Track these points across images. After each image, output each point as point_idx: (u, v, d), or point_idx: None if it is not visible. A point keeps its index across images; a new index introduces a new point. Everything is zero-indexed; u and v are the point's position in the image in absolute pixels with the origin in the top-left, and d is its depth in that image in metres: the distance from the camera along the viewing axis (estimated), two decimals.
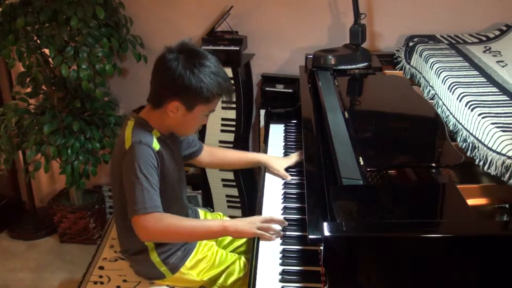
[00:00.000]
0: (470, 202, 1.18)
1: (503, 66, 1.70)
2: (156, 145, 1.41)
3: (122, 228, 1.55)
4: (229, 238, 1.74)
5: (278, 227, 1.41)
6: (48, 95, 2.46)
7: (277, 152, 1.90)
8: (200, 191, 2.70)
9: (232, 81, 2.39)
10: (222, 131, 2.49)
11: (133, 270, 1.59)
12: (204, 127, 2.50)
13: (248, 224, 1.40)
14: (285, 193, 1.61)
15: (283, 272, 1.26)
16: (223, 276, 1.58)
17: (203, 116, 1.45)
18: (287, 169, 1.72)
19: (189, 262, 1.56)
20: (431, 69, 1.76)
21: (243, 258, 1.63)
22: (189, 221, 1.48)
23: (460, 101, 1.45)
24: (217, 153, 1.81)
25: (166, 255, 1.53)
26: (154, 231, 1.35)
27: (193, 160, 1.76)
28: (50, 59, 2.28)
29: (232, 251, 1.72)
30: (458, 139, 1.43)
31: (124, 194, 1.40)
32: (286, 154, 1.87)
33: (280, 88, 2.43)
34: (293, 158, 1.78)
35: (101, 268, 1.63)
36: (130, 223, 1.38)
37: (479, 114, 1.33)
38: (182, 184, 1.61)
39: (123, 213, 1.45)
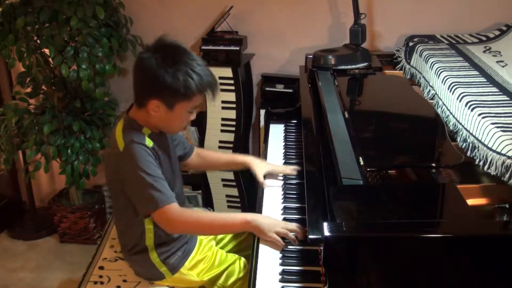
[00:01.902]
0: (470, 202, 1.18)
1: (503, 66, 1.70)
2: (149, 142, 1.41)
3: (122, 228, 1.56)
4: (227, 238, 1.74)
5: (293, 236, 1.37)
6: (48, 95, 2.46)
7: (277, 152, 1.90)
8: (200, 191, 2.70)
9: (232, 81, 2.40)
10: (222, 131, 2.49)
11: (133, 271, 1.60)
12: (204, 127, 2.51)
13: (269, 225, 1.36)
14: (285, 193, 1.61)
15: (283, 272, 1.26)
16: (223, 276, 1.58)
17: (186, 113, 1.43)
18: (287, 176, 1.70)
19: (189, 263, 1.56)
20: (431, 69, 1.76)
21: (243, 259, 1.63)
22: (211, 213, 1.50)
23: (460, 101, 1.45)
24: (205, 156, 1.80)
25: (166, 255, 1.53)
26: (178, 220, 1.37)
27: (183, 163, 1.75)
28: (50, 59, 2.28)
29: (231, 250, 1.72)
30: (458, 139, 1.43)
31: (123, 194, 1.40)
32: (286, 154, 1.87)
33: (280, 88, 2.43)
34: (279, 168, 1.73)
35: (101, 268, 1.63)
36: (130, 222, 1.38)
37: (479, 114, 1.33)
38: (176, 181, 1.59)
39: (122, 213, 1.45)
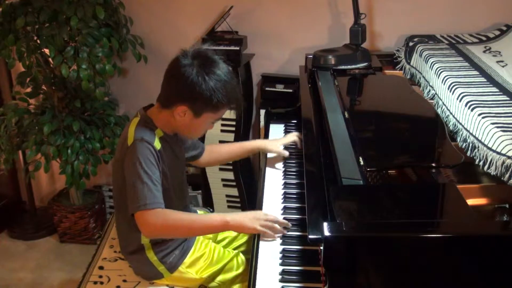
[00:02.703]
0: (470, 202, 1.18)
1: (503, 66, 1.70)
2: (157, 144, 1.42)
3: (122, 225, 1.56)
4: (228, 238, 1.74)
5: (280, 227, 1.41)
6: (48, 95, 2.46)
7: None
8: (200, 191, 2.70)
9: None
10: (222, 131, 2.49)
11: (133, 270, 1.60)
12: None
13: (251, 219, 1.39)
14: (285, 193, 1.61)
15: (283, 272, 1.26)
16: (222, 272, 1.59)
17: (209, 123, 1.46)
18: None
19: (187, 261, 1.56)
20: (431, 69, 1.76)
21: (241, 255, 1.64)
22: (190, 215, 1.48)
23: (460, 101, 1.45)
24: (215, 151, 1.82)
25: (163, 254, 1.53)
26: (156, 226, 1.36)
27: (194, 162, 1.77)
28: (50, 59, 2.28)
29: (229, 246, 1.72)
30: (458, 139, 1.43)
31: (124, 190, 1.41)
32: None
33: (280, 88, 2.43)
34: (290, 137, 1.84)
35: (101, 268, 1.63)
36: (130, 219, 1.38)
37: (479, 114, 1.33)
38: (183, 185, 1.61)
39: (123, 210, 1.45)
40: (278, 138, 1.87)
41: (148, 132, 1.42)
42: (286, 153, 1.78)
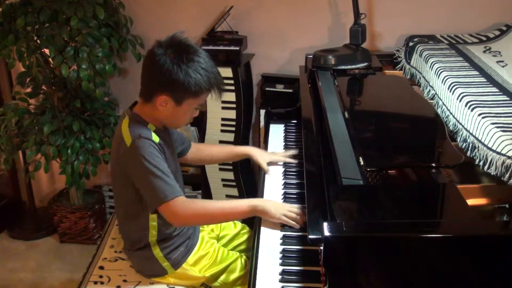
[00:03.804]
0: (470, 202, 1.18)
1: (503, 66, 1.70)
2: (155, 138, 1.42)
3: (125, 224, 1.56)
4: (229, 236, 1.75)
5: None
6: (48, 95, 2.46)
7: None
8: (200, 191, 2.70)
9: (232, 81, 2.40)
10: (222, 131, 2.49)
11: (135, 268, 1.60)
12: (204, 127, 2.51)
13: (277, 209, 1.42)
14: (285, 193, 1.61)
15: (283, 272, 1.26)
16: (225, 273, 1.59)
17: (192, 110, 1.46)
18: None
19: (191, 258, 1.57)
20: (431, 69, 1.76)
21: (244, 257, 1.64)
22: (215, 201, 1.49)
23: (460, 101, 1.45)
24: (203, 150, 1.82)
25: (168, 250, 1.53)
26: (184, 214, 1.38)
27: (181, 158, 1.77)
28: (50, 59, 2.28)
29: (232, 249, 1.73)
30: (458, 139, 1.43)
31: (129, 189, 1.42)
32: None
33: (280, 88, 2.43)
34: (278, 156, 1.80)
35: (101, 268, 1.63)
36: (137, 218, 1.39)
37: (479, 114, 1.33)
38: (179, 178, 1.60)
39: (126, 209, 1.45)
40: (267, 152, 1.84)
41: (142, 128, 1.43)
42: (267, 171, 1.73)
